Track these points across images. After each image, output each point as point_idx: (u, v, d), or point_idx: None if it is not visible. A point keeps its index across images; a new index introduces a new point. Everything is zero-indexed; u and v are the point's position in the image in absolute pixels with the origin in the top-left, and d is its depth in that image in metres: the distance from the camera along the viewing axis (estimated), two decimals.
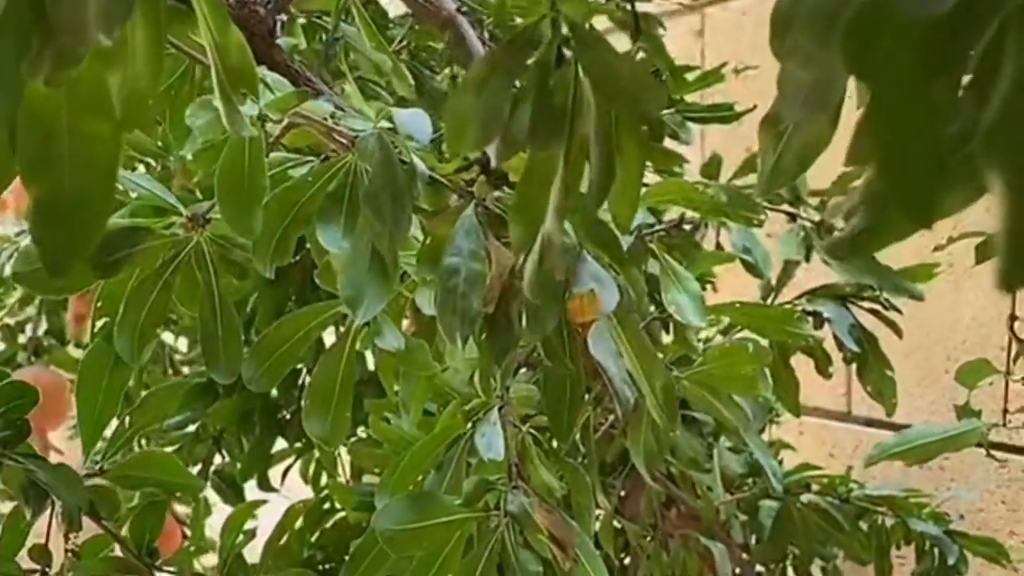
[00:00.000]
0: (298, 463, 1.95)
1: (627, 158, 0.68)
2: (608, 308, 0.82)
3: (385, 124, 0.88)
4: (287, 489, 2.09)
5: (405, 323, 1.11)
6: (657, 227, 1.16)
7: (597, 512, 1.37)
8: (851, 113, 0.47)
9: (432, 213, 0.88)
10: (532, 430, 1.12)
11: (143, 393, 1.23)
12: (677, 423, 0.88)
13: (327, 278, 0.96)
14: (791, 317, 1.26)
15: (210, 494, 1.94)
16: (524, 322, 0.86)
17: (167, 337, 2.00)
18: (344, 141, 0.87)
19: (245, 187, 0.83)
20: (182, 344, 2.03)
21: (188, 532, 1.85)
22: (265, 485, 1.84)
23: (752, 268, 1.44)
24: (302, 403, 1.03)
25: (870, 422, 2.08)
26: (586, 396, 1.44)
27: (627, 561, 1.48)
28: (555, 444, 1.13)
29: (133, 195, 0.92)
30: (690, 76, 1.54)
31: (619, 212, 0.76)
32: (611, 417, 1.45)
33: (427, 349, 1.02)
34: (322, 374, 0.99)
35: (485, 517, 1.08)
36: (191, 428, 1.77)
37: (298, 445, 1.89)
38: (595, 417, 1.38)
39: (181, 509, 1.91)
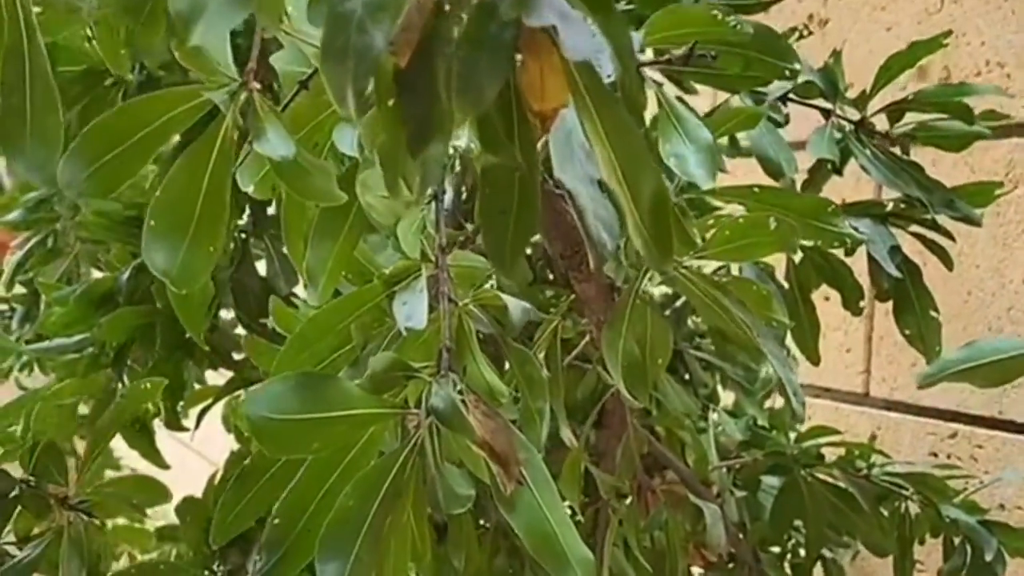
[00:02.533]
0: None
1: None
2: (574, 54, 0.53)
3: None
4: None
5: None
6: (659, 59, 0.88)
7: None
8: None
9: None
10: (475, 308, 0.83)
11: None
12: (670, 253, 0.59)
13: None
14: (824, 209, 0.98)
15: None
16: (453, 86, 0.58)
17: None
18: None
19: None
20: None
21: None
22: (174, 423, 1.54)
23: (771, 167, 1.16)
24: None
25: (890, 405, 1.79)
26: (555, 303, 1.15)
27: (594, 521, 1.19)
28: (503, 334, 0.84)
29: None
30: None
31: None
32: (585, 340, 1.16)
33: (331, 172, 0.74)
34: (178, 180, 0.70)
35: (399, 414, 0.79)
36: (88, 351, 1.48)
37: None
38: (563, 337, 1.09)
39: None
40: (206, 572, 1.63)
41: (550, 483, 0.81)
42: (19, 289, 1.74)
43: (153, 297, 1.39)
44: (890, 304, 1.20)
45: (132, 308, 1.37)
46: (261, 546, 0.82)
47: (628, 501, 1.14)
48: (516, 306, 0.80)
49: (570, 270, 0.97)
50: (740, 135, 1.21)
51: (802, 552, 1.41)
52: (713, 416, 1.50)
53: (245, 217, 1.42)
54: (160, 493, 0.79)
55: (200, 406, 1.62)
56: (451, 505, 0.80)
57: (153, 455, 1.62)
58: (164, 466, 1.70)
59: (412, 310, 0.78)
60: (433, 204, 0.83)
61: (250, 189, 0.77)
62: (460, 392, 0.79)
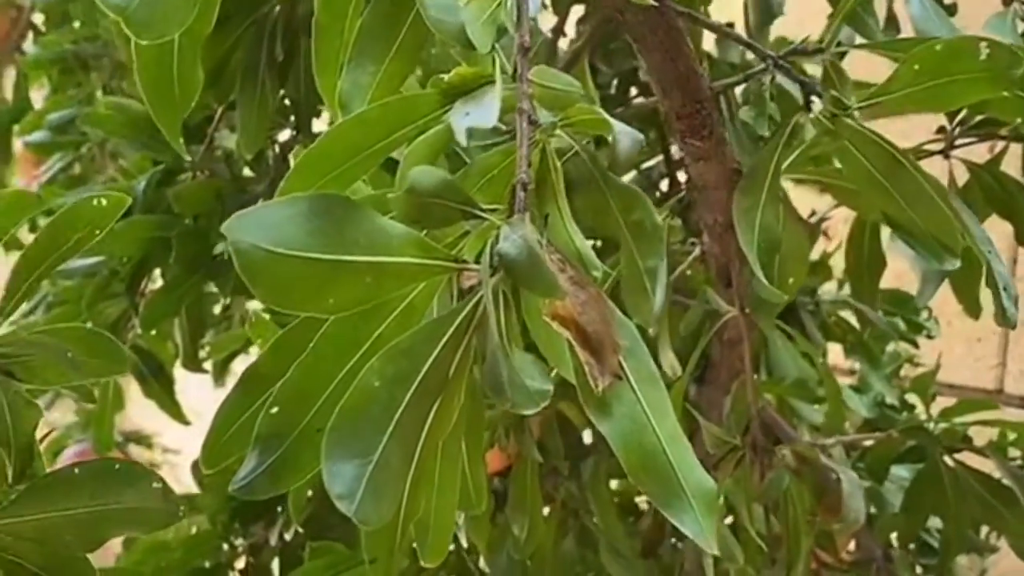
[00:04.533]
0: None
1: None
2: None
3: None
4: None
5: None
6: None
7: None
8: None
9: None
10: (564, 134, 0.60)
11: None
12: None
13: None
14: None
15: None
16: None
17: None
18: None
19: None
20: None
21: None
22: (193, 363, 1.33)
23: None
24: None
25: None
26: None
27: None
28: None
29: None
30: None
31: None
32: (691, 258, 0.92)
33: None
34: None
35: (453, 269, 0.56)
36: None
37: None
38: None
39: None
40: (225, 546, 1.42)
41: (658, 381, 0.58)
42: None
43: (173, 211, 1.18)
44: None
45: (147, 217, 1.16)
46: (252, 442, 0.59)
47: (737, 463, 0.90)
48: (624, 133, 0.57)
49: (687, 137, 0.74)
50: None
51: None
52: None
53: None
54: (115, 357, 0.57)
55: (227, 353, 1.40)
56: (521, 401, 0.56)
57: (171, 407, 1.41)
58: (184, 421, 1.49)
59: (478, 116, 0.55)
60: None
61: None
62: (540, 239, 0.55)
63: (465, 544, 0.77)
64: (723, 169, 0.79)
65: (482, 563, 1.13)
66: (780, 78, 0.73)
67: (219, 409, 0.69)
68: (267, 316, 1.03)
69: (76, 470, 0.59)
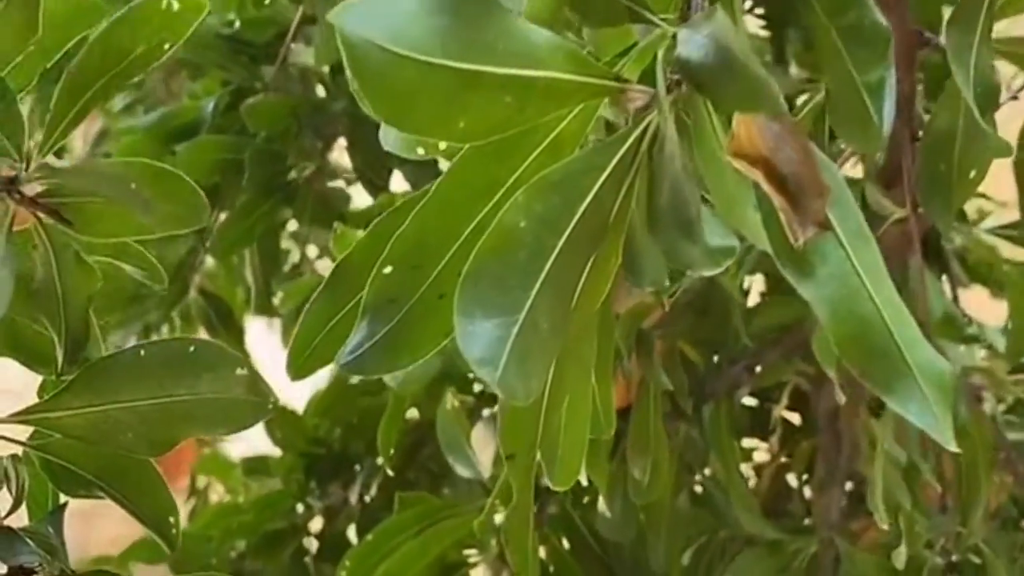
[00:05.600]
0: None
1: None
2: None
3: None
4: None
5: None
6: None
7: None
8: None
9: None
10: None
11: None
12: None
13: None
14: None
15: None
16: None
17: None
18: None
19: None
20: None
21: None
22: (265, 307, 1.22)
23: None
24: None
25: None
26: None
27: None
28: None
29: None
30: None
31: None
32: None
33: None
34: None
35: (615, 88, 0.43)
36: None
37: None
38: None
39: None
40: (300, 507, 1.31)
41: (870, 238, 0.45)
42: None
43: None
44: None
45: (217, 137, 1.05)
46: (361, 310, 0.47)
47: None
48: None
49: None
50: None
51: None
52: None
53: None
54: (194, 203, 0.45)
55: (301, 299, 1.29)
56: (701, 259, 0.44)
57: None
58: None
59: None
60: None
61: None
62: None
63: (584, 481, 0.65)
64: (905, 31, 0.66)
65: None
66: None
67: (307, 309, 0.58)
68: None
69: (142, 352, 0.48)
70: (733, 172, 0.45)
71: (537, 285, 0.41)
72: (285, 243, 1.41)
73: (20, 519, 0.52)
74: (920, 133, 0.75)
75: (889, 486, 0.76)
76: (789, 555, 0.83)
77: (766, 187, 0.45)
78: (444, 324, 0.47)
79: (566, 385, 0.49)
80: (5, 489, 0.51)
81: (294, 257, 1.49)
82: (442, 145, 0.58)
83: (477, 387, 1.21)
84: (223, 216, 1.09)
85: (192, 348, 0.48)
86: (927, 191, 0.73)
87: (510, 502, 0.87)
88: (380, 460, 1.28)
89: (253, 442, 1.53)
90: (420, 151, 0.58)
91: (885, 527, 0.72)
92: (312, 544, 1.27)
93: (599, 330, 0.53)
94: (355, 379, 1.26)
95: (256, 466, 1.38)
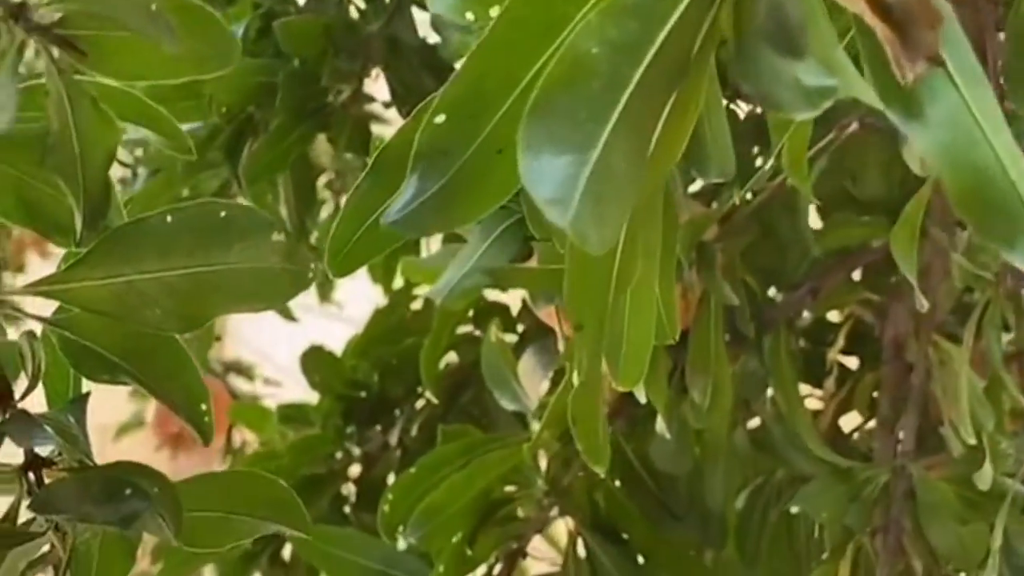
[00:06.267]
0: None
1: None
2: None
3: None
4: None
5: None
6: None
7: None
8: None
9: None
10: None
11: None
12: None
13: None
14: None
15: None
16: None
17: None
18: None
19: None
20: None
21: None
22: (300, 241, 1.17)
23: None
24: None
25: None
26: None
27: None
28: None
29: None
30: None
31: None
32: None
33: None
34: None
35: None
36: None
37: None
38: None
39: None
40: (339, 453, 1.26)
41: (985, 81, 0.40)
42: None
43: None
44: None
45: (250, 60, 1.00)
46: (411, 163, 0.42)
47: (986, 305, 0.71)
48: None
49: None
50: None
51: None
52: None
53: None
54: (223, 42, 0.41)
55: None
56: (796, 99, 0.39)
57: None
58: (291, 317, 1.34)
59: None
60: None
61: None
62: None
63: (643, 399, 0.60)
64: None
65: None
66: None
67: (347, 201, 0.53)
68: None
69: (168, 217, 0.43)
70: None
71: (612, 120, 0.36)
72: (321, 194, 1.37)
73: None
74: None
75: (971, 407, 0.71)
76: (860, 483, 0.77)
77: (869, 18, 0.39)
78: (503, 181, 0.42)
79: (637, 254, 0.44)
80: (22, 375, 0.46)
81: (329, 208, 1.45)
82: (493, 11, 0.53)
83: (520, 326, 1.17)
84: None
85: (223, 213, 0.43)
86: (1015, 83, 0.67)
87: (559, 430, 0.81)
88: (419, 404, 1.25)
89: (291, 391, 1.50)
90: (469, 15, 0.53)
91: (971, 442, 0.66)
92: (351, 491, 1.23)
93: (664, 219, 0.48)
94: (394, 316, 1.22)
95: (293, 413, 1.34)
